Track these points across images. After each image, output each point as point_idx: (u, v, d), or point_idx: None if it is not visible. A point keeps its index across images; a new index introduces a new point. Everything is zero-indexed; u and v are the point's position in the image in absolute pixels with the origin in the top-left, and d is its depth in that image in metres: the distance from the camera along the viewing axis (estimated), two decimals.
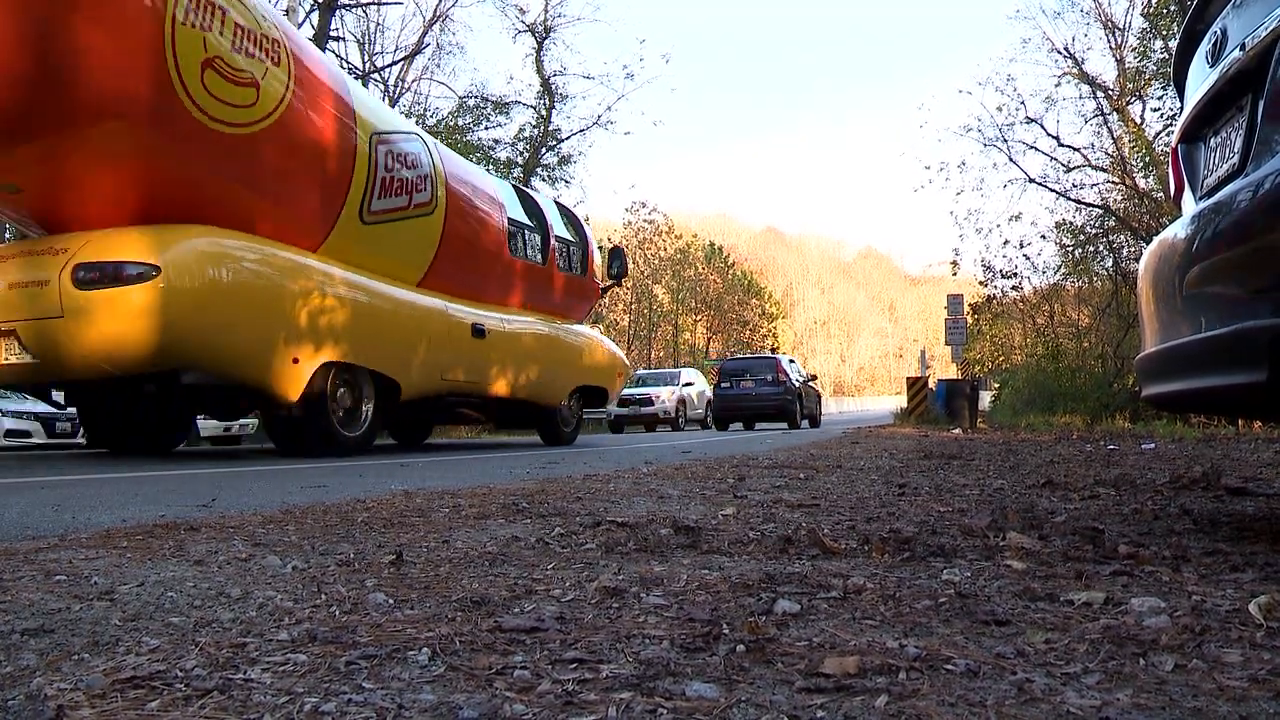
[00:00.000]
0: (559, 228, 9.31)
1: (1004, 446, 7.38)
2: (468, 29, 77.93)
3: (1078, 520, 2.38)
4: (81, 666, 1.08)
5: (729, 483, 3.76)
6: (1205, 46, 2.19)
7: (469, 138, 22.58)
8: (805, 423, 19.71)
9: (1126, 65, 21.31)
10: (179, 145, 5.19)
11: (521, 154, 25.09)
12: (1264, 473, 4.38)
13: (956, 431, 12.58)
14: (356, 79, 25.05)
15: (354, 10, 24.14)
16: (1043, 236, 23.44)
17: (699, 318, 48.32)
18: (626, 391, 19.24)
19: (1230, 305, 1.83)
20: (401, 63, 25.44)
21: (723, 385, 19.49)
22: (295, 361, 5.68)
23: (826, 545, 1.95)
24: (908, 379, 19.19)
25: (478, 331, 7.55)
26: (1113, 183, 21.54)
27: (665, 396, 20.40)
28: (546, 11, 25.14)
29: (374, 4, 23.89)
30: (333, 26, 22.86)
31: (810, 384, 21.46)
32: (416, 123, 24.31)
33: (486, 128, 23.93)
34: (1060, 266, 22.68)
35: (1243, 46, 1.93)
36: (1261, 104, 1.85)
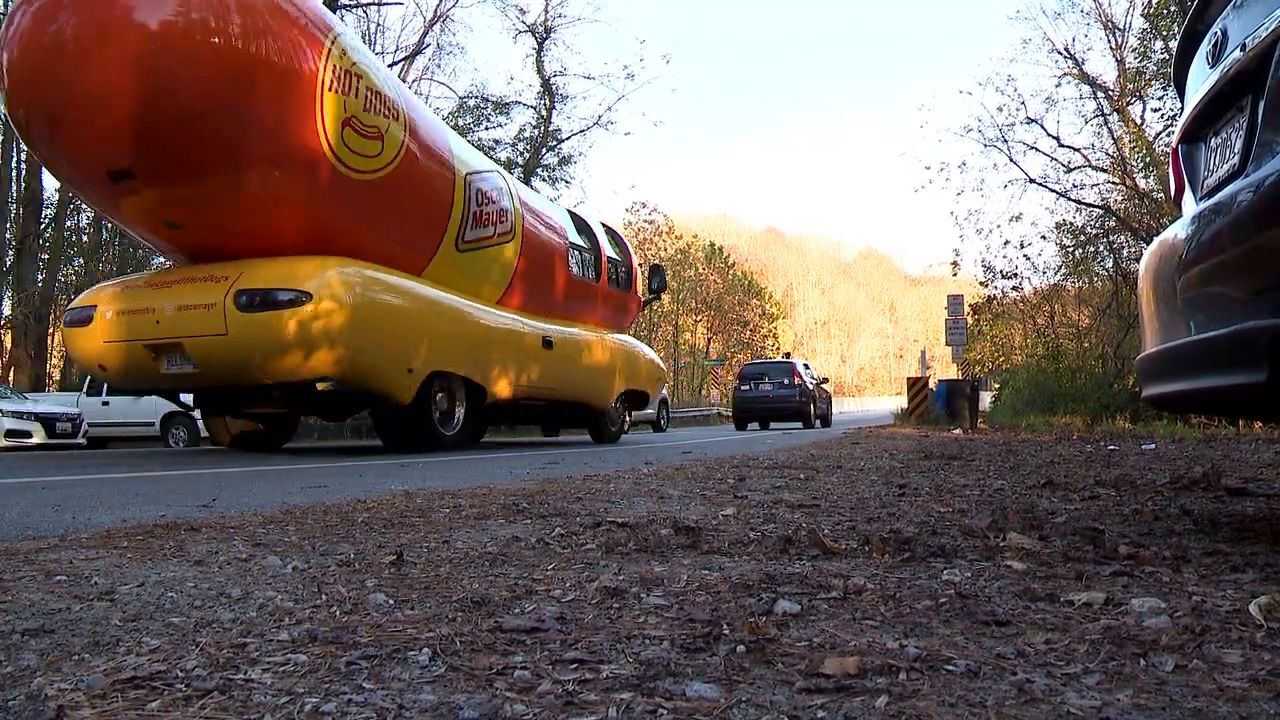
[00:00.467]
0: (608, 248, 10.37)
1: (1004, 447, 7.38)
2: (468, 29, 77.93)
3: (1078, 521, 2.38)
4: (82, 666, 1.08)
5: (729, 483, 3.76)
6: (1205, 47, 2.19)
7: (469, 138, 22.58)
8: (818, 422, 20.91)
9: (1127, 65, 21.32)
10: (321, 189, 6.15)
11: (522, 154, 25.10)
12: (1264, 473, 4.38)
13: (957, 432, 12.58)
14: None
15: (354, 10, 24.14)
16: (1043, 237, 23.45)
17: (699, 318, 48.35)
18: None
19: (1230, 306, 1.83)
20: (402, 63, 25.45)
21: (742, 388, 20.75)
22: (410, 371, 6.63)
23: (827, 546, 1.95)
24: (908, 379, 19.20)
25: (546, 343, 8.54)
26: (1113, 183, 21.54)
27: None
28: (547, 12, 25.17)
29: (374, 4, 23.92)
30: None
31: (822, 386, 22.76)
32: None
33: (487, 128, 23.97)
34: (1060, 267, 22.69)
35: (1243, 47, 1.93)
36: (1262, 104, 1.85)
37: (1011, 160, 21.95)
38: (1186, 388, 2.10)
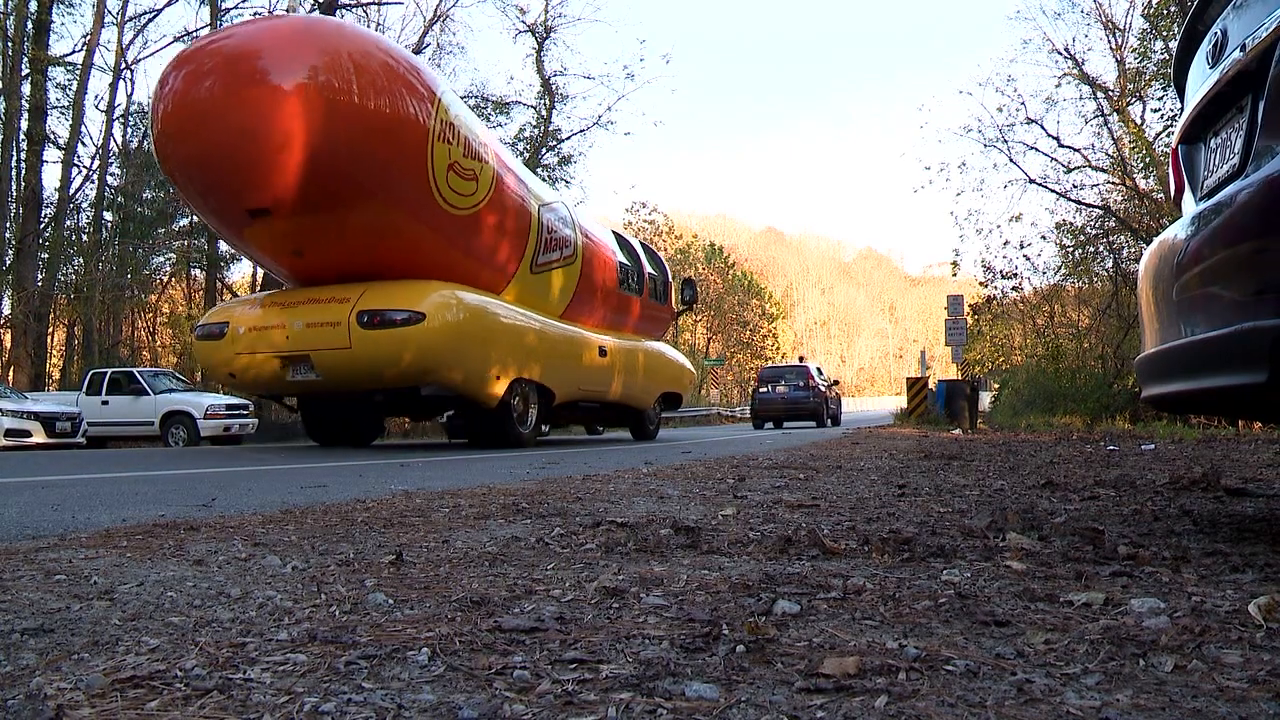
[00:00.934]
0: (648, 265, 11.56)
1: (1004, 447, 7.38)
2: (468, 29, 77.93)
3: (1078, 521, 2.38)
4: (81, 666, 1.08)
5: (729, 483, 3.76)
6: (1205, 47, 2.19)
7: None
8: (829, 421, 22.36)
9: (1127, 66, 21.32)
10: (428, 223, 7.14)
11: (522, 154, 25.07)
12: (1264, 473, 4.38)
13: (956, 432, 12.58)
14: None
15: (354, 10, 24.13)
16: (1043, 237, 23.45)
17: (699, 318, 48.32)
18: None
19: (1230, 306, 1.83)
20: None
21: (761, 390, 22.36)
22: (497, 378, 7.56)
23: (826, 546, 1.95)
24: (907, 379, 19.21)
25: (601, 351, 9.60)
26: (1113, 183, 21.53)
27: None
28: (547, 12, 25.15)
29: (374, 4, 23.90)
30: None
31: (833, 388, 24.47)
32: None
33: (487, 128, 23.94)
34: (1060, 267, 22.66)
35: (1243, 47, 1.93)
36: (1262, 105, 1.85)
37: (1011, 160, 21.96)
38: (1186, 388, 2.10)
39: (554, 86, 25.43)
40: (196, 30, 24.22)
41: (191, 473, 4.69)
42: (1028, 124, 21.77)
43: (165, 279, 25.49)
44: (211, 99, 6.23)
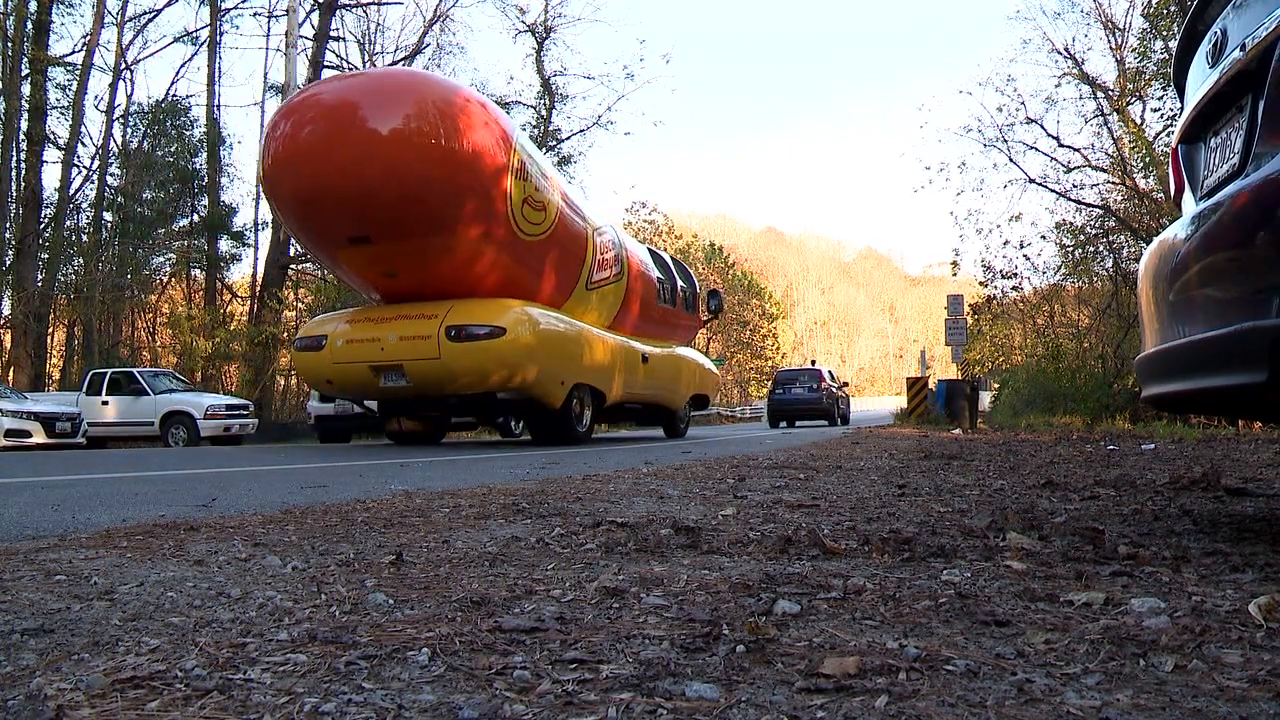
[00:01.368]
0: (679, 279, 12.60)
1: (1004, 447, 7.38)
2: (468, 29, 77.92)
3: (1078, 521, 2.38)
4: (81, 666, 1.08)
5: (729, 483, 3.76)
6: (1205, 47, 2.19)
7: None
8: (839, 420, 24.03)
9: (1126, 66, 21.29)
10: (505, 248, 8.08)
11: None
12: (1264, 473, 4.38)
13: (956, 432, 12.58)
14: None
15: (354, 10, 24.15)
16: (1043, 237, 23.40)
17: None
18: None
19: (1230, 306, 1.83)
20: (402, 63, 25.44)
21: (776, 391, 24.15)
22: (561, 383, 8.48)
23: (826, 546, 1.95)
24: (908, 379, 19.21)
25: (644, 358, 10.67)
26: (1113, 183, 21.50)
27: None
28: (546, 12, 25.15)
29: (374, 4, 23.92)
30: (333, 26, 22.89)
31: (843, 389, 26.24)
32: None
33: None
34: (1060, 267, 22.63)
35: (1243, 47, 1.93)
36: (1261, 104, 1.85)
37: (1011, 160, 21.92)
38: (1186, 388, 2.10)
39: (554, 86, 25.44)
40: (196, 30, 24.26)
41: (191, 473, 4.69)
42: (1027, 124, 21.75)
43: (165, 279, 25.50)
44: (317, 143, 7.17)
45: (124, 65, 23.42)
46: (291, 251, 22.27)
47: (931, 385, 18.84)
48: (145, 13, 23.68)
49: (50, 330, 21.76)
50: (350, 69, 24.47)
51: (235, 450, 9.42)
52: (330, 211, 7.41)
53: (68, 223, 22.20)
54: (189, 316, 21.86)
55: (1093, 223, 21.55)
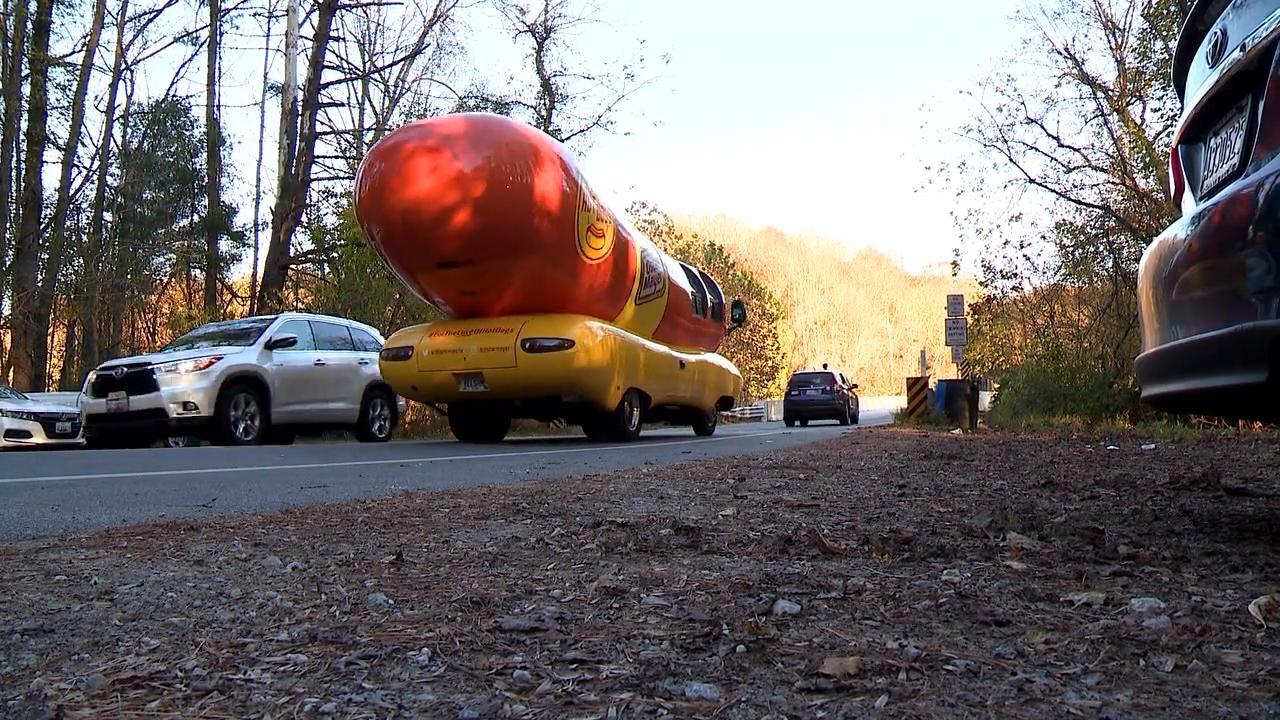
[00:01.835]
0: (708, 291, 13.79)
1: (1004, 447, 7.38)
2: (468, 29, 77.88)
3: (1078, 521, 2.38)
4: (81, 666, 1.08)
5: (729, 483, 3.76)
6: (1205, 47, 2.19)
7: None
8: (849, 419, 26.34)
9: (1126, 66, 21.29)
10: (571, 272, 9.13)
11: None
12: (1264, 473, 4.38)
13: (956, 432, 12.59)
14: (356, 79, 25.09)
15: (354, 10, 24.16)
16: (1043, 237, 23.36)
17: None
18: None
19: (1230, 306, 1.83)
20: (402, 63, 25.46)
21: (792, 393, 26.66)
22: (617, 388, 9.54)
23: (826, 546, 1.95)
24: (908, 379, 19.22)
25: (681, 364, 11.79)
26: (1113, 183, 21.50)
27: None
28: (546, 12, 25.13)
29: (374, 4, 23.92)
30: (333, 26, 22.90)
31: (852, 390, 29.24)
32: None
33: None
34: (1060, 267, 22.63)
35: (1243, 47, 1.93)
36: (1261, 104, 1.85)
37: (1011, 160, 21.91)
38: (1186, 388, 2.10)
39: (554, 86, 25.41)
40: (196, 31, 24.26)
41: (191, 473, 4.69)
42: (1027, 124, 21.75)
43: (165, 279, 25.50)
44: (407, 180, 8.08)
45: (124, 65, 23.43)
46: (291, 252, 22.28)
47: (931, 385, 18.84)
48: (145, 13, 23.68)
49: (50, 330, 21.75)
50: (350, 69, 24.51)
51: (235, 450, 9.42)
52: (419, 240, 8.38)
53: (68, 223, 22.19)
54: (189, 317, 21.86)
55: (1093, 223, 21.55)
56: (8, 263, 19.42)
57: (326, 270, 22.86)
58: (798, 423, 25.80)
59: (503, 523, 2.45)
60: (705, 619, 1.30)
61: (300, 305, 22.11)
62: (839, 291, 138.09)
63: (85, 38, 21.54)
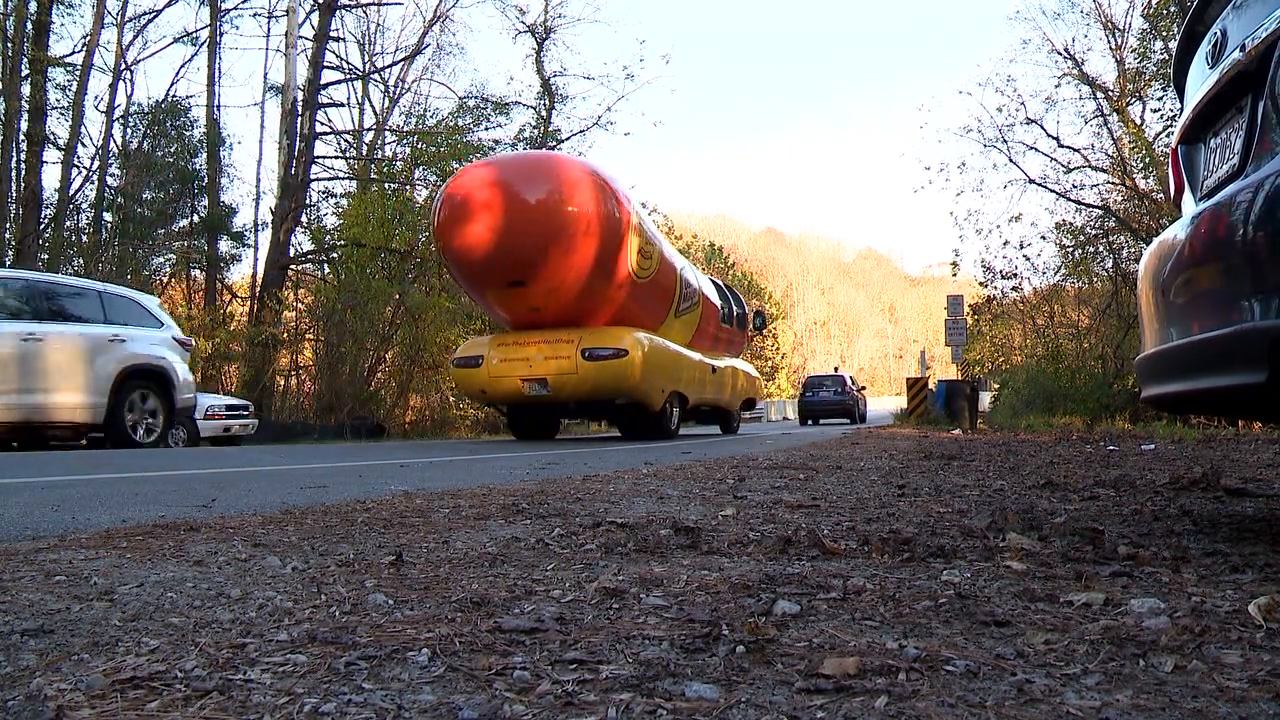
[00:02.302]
0: (733, 302, 15.15)
1: (1004, 447, 7.38)
2: (468, 29, 77.86)
3: (1077, 521, 2.38)
4: (81, 667, 1.08)
5: (729, 483, 3.76)
6: (1205, 47, 2.19)
7: (469, 138, 22.56)
8: (859, 419, 28.21)
9: (1126, 66, 21.28)
10: (624, 289, 10.29)
11: None
12: (1264, 473, 4.38)
13: (956, 432, 12.59)
14: (356, 79, 25.09)
15: (354, 10, 24.15)
16: (1043, 237, 23.34)
17: None
18: None
19: (1230, 306, 1.83)
20: (402, 63, 25.45)
21: (806, 394, 28.82)
22: (662, 391, 10.68)
23: (826, 546, 1.95)
24: (907, 379, 19.22)
25: (713, 370, 12.93)
26: (1113, 184, 21.49)
27: None
28: (546, 12, 25.11)
29: (374, 4, 23.92)
30: (333, 27, 22.89)
31: (861, 391, 31.45)
32: (417, 123, 24.36)
33: (486, 128, 23.89)
34: (1060, 267, 22.61)
35: (1243, 47, 1.93)
36: (1261, 105, 1.85)
37: (1011, 161, 21.89)
38: (1186, 388, 2.10)
39: (554, 87, 25.40)
40: (196, 31, 24.26)
41: (191, 473, 4.69)
42: (1027, 124, 21.73)
43: (165, 279, 25.49)
44: (478, 209, 9.25)
45: (124, 66, 23.41)
46: (291, 252, 22.28)
47: (931, 385, 18.84)
48: (145, 13, 23.65)
49: None
50: (350, 69, 24.51)
51: (235, 450, 9.43)
52: (492, 263, 9.47)
53: (68, 223, 22.17)
54: (189, 317, 21.86)
55: (1093, 223, 21.54)
56: (8, 263, 19.41)
57: (326, 270, 22.87)
58: (810, 421, 27.64)
59: (503, 523, 2.45)
60: (705, 619, 1.30)
61: (300, 305, 22.13)
62: (839, 292, 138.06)
63: (85, 38, 21.53)
